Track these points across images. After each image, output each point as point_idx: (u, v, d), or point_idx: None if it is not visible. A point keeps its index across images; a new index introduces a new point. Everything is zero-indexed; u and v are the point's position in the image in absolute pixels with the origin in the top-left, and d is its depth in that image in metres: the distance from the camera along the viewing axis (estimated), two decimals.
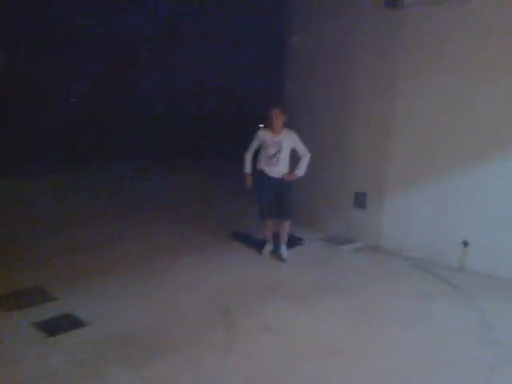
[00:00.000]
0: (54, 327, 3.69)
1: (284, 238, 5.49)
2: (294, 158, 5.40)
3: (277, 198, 5.38)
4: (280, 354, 3.46)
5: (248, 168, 5.41)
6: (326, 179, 6.42)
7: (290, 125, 5.43)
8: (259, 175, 5.37)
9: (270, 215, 5.48)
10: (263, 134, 5.29)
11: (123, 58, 12.01)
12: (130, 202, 8.01)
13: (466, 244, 5.13)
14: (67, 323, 3.76)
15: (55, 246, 5.64)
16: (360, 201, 5.99)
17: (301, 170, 5.29)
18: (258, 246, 5.66)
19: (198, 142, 11.91)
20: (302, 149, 5.30)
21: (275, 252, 5.55)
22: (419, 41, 5.33)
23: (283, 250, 5.47)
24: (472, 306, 4.34)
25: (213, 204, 8.03)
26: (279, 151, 5.23)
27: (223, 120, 12.11)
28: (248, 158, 5.41)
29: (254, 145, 5.37)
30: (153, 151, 11.57)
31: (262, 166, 5.34)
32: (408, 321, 4.03)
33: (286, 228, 5.47)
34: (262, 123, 5.40)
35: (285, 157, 5.28)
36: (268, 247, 5.57)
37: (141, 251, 5.53)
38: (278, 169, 5.28)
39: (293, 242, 5.96)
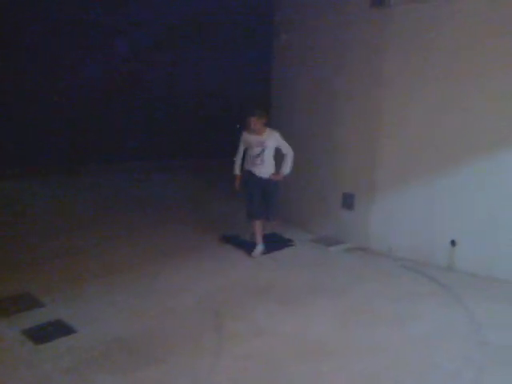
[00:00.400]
0: (43, 334, 3.70)
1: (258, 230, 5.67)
2: (279, 159, 5.54)
3: (263, 198, 5.52)
4: (272, 356, 3.49)
5: (237, 170, 5.59)
6: (315, 180, 6.46)
7: (278, 124, 5.60)
8: (247, 176, 5.52)
9: (258, 216, 5.55)
10: (247, 136, 5.48)
11: (125, 60, 12.10)
12: (126, 203, 8.00)
13: (453, 243, 5.18)
14: (57, 330, 3.77)
15: (48, 249, 5.66)
16: (348, 202, 6.02)
17: (286, 168, 5.48)
18: (249, 248, 5.69)
19: (198, 143, 11.94)
20: (285, 147, 5.47)
21: (245, 242, 5.77)
22: (407, 40, 5.34)
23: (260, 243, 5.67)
24: (461, 305, 4.38)
25: (208, 205, 8.00)
26: (263, 151, 5.41)
27: (224, 121, 12.13)
28: (237, 160, 5.60)
29: (241, 147, 5.57)
30: (152, 152, 11.60)
31: (249, 166, 5.52)
32: (398, 321, 4.07)
33: (269, 227, 5.73)
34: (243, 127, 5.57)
35: (269, 156, 5.46)
36: (258, 249, 5.60)
37: (133, 254, 5.55)
38: (263, 169, 5.46)
39: (283, 243, 6.00)
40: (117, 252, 5.60)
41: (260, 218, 5.56)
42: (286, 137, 5.68)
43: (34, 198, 8.19)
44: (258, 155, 5.41)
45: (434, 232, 5.35)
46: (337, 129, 6.11)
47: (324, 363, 3.41)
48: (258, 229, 5.59)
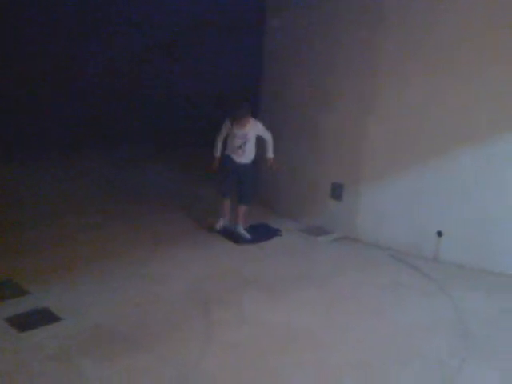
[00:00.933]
0: (27, 322, 3.66)
1: (239, 219, 5.78)
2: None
3: (238, 183, 5.75)
4: (258, 345, 3.50)
5: (217, 151, 5.75)
6: (304, 170, 6.43)
7: (267, 113, 5.73)
8: (227, 161, 5.72)
9: (228, 195, 5.82)
10: (232, 128, 5.60)
11: (123, 51, 12.24)
12: (119, 190, 7.89)
13: (440, 234, 5.21)
14: (41, 317, 3.73)
15: (37, 235, 5.55)
16: (337, 192, 6.01)
17: (271, 153, 5.76)
18: (236, 237, 5.71)
19: (191, 134, 11.97)
20: (266, 135, 5.71)
21: (230, 231, 5.81)
22: (404, 28, 5.28)
23: (240, 229, 5.78)
24: (445, 296, 4.42)
25: (199, 195, 7.92)
26: (245, 143, 5.60)
27: (215, 114, 12.19)
28: (218, 141, 5.76)
29: (223, 131, 5.70)
30: (149, 139, 11.60)
31: (230, 153, 5.71)
32: (383, 310, 4.10)
33: (243, 211, 5.81)
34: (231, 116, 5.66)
35: (250, 146, 5.68)
36: (221, 222, 5.85)
37: (123, 242, 5.49)
38: (244, 157, 5.68)
39: (271, 232, 5.99)
40: (106, 239, 5.53)
41: (229, 197, 5.81)
42: (276, 126, 5.66)
43: (25, 184, 8.08)
44: (240, 147, 5.61)
45: (422, 223, 5.36)
46: (326, 119, 6.05)
47: (309, 352, 3.43)
48: (225, 205, 5.84)
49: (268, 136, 5.70)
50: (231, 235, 5.78)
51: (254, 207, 6.51)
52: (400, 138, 5.45)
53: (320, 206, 6.30)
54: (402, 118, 5.41)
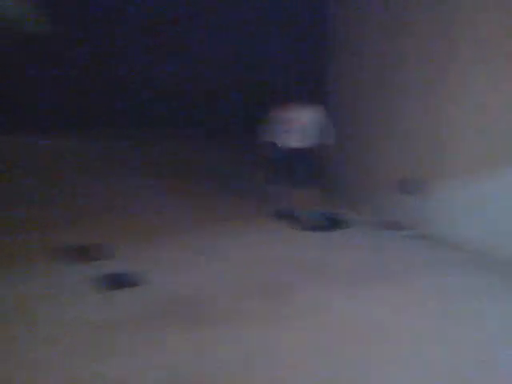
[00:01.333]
0: (113, 283, 3.88)
1: (302, 205, 5.83)
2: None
3: (291, 169, 5.82)
4: (325, 334, 3.40)
5: (268, 137, 5.82)
6: (378, 163, 6.28)
7: (338, 106, 5.94)
8: (274, 145, 5.84)
9: (275, 183, 5.93)
10: (281, 110, 5.73)
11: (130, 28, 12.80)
12: (181, 169, 8.20)
13: None
14: (125, 280, 3.94)
15: (117, 207, 6.08)
16: (414, 186, 5.76)
17: (327, 138, 5.75)
18: (304, 225, 5.72)
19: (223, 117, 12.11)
20: (319, 121, 5.73)
21: (294, 217, 5.84)
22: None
23: (303, 216, 5.79)
24: None
25: (252, 179, 7.98)
26: (295, 128, 5.69)
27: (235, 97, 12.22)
28: (267, 127, 5.81)
29: (272, 116, 5.80)
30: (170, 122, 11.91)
31: (280, 139, 5.81)
32: (461, 318, 3.85)
33: (304, 197, 5.85)
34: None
35: (300, 132, 5.73)
36: (275, 208, 5.99)
37: (192, 218, 5.86)
38: (293, 143, 5.77)
39: (340, 222, 5.92)
40: (178, 214, 5.93)
41: (276, 184, 5.93)
42: (345, 116, 5.53)
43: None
44: (287, 131, 5.70)
45: (505, 224, 4.92)
46: (402, 108, 5.82)
47: (379, 349, 3.27)
48: (273, 192, 5.99)
49: (322, 122, 5.70)
50: (296, 221, 5.79)
51: (322, 195, 6.43)
52: (489, 132, 4.97)
53: (393, 200, 6.08)
54: (490, 106, 4.92)
